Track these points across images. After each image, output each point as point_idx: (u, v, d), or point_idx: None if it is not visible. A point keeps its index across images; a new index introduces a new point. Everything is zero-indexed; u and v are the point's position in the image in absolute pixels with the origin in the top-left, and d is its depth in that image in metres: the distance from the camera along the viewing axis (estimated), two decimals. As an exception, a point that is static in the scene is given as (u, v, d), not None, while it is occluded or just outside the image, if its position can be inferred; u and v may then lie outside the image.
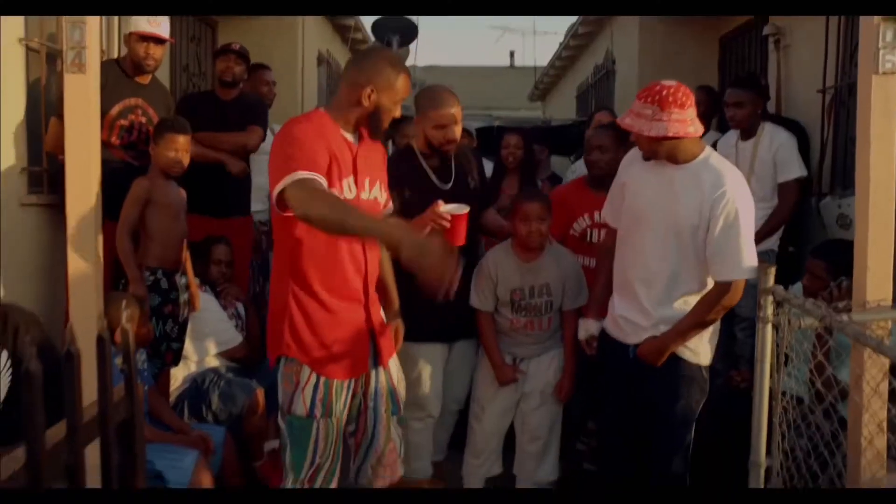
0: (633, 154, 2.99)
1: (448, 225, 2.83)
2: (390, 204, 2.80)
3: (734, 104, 4.12)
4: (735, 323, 4.11)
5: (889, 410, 2.68)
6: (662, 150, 2.77)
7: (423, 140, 3.28)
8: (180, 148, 3.49)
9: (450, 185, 3.29)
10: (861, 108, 2.74)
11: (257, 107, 4.69)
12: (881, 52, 2.68)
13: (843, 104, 4.26)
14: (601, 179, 3.60)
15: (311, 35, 7.33)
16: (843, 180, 4.19)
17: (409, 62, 14.61)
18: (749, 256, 2.72)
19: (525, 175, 4.47)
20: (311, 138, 2.45)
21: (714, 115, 4.99)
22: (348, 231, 2.32)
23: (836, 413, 2.79)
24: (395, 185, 2.89)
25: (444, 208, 2.87)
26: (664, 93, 2.72)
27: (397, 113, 2.66)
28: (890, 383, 2.68)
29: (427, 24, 38.05)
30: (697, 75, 6.06)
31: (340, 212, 2.27)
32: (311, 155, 2.39)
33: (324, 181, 2.38)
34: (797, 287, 3.35)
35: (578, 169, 4.92)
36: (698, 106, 4.86)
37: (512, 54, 24.84)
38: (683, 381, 2.92)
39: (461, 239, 2.85)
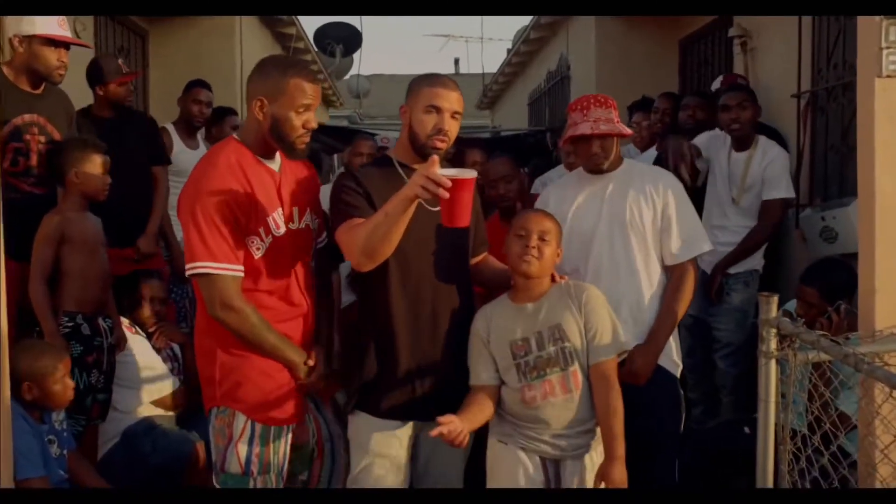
0: (553, 188, 3.05)
1: (447, 195, 2.13)
2: (324, 234, 2.60)
3: (738, 106, 3.79)
4: (715, 350, 3.84)
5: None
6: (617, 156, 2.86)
7: (405, 145, 2.53)
8: (105, 169, 3.10)
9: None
10: (863, 113, 2.49)
11: (150, 127, 4.29)
12: (884, 52, 2.41)
13: (820, 109, 4.03)
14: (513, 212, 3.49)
15: (251, 44, 6.93)
16: (823, 191, 3.95)
17: (352, 71, 14.30)
18: (703, 230, 2.89)
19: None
20: (216, 194, 2.29)
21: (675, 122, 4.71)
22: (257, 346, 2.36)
23: (846, 454, 2.53)
24: (367, 208, 2.40)
25: (445, 172, 2.18)
26: (602, 97, 2.84)
27: (305, 122, 2.34)
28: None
29: (370, 33, 37.64)
30: (657, 79, 5.83)
31: (247, 329, 2.32)
32: (215, 231, 2.28)
33: (232, 266, 2.31)
34: (792, 304, 3.08)
35: (549, 180, 4.61)
36: (663, 113, 4.66)
37: (457, 62, 24.58)
38: (669, 392, 2.82)
39: (464, 217, 2.23)
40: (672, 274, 2.82)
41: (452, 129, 2.46)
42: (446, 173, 2.16)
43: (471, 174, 2.22)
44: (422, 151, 2.42)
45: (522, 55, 10.27)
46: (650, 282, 2.82)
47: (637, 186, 2.81)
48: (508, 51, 11.70)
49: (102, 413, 3.14)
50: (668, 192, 2.80)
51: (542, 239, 2.52)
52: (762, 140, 3.82)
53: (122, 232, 3.95)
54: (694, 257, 2.83)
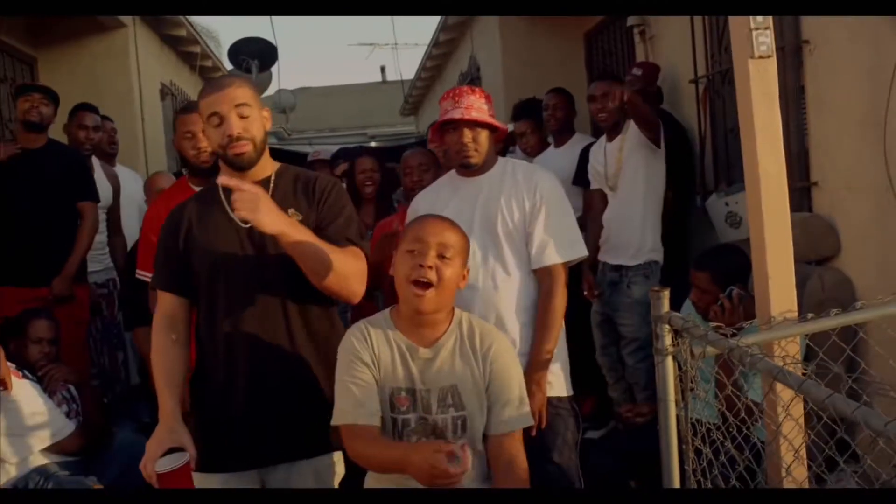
0: (424, 193, 2.85)
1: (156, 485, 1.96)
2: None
3: (602, 96, 3.77)
4: (622, 346, 3.77)
5: (807, 436, 2.38)
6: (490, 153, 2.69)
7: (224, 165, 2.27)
8: None
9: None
10: (741, 97, 2.44)
11: (75, 163, 4.09)
12: (754, 33, 2.38)
13: (717, 93, 4.01)
14: None
15: (149, 66, 6.70)
16: (727, 175, 3.94)
17: (273, 86, 14.06)
18: (578, 235, 2.72)
19: (382, 203, 3.98)
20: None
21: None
22: None
23: (750, 440, 2.48)
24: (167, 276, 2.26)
25: (157, 465, 1.96)
26: (475, 88, 2.71)
27: (201, 142, 2.45)
28: (806, 403, 2.38)
29: (291, 46, 37.18)
30: (564, 73, 5.80)
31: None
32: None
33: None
34: (686, 306, 3.03)
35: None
36: (553, 109, 4.56)
37: (383, 69, 24.44)
38: (559, 425, 2.62)
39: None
40: (539, 282, 2.62)
41: (242, 125, 2.13)
42: (159, 468, 1.97)
43: (181, 461, 1.98)
44: (231, 164, 2.18)
45: (436, 58, 10.19)
46: (533, 290, 2.64)
47: (509, 186, 2.65)
48: (423, 55, 11.61)
49: None
50: (538, 191, 2.63)
51: (441, 256, 1.99)
52: (632, 125, 3.75)
53: (35, 270, 3.77)
54: (562, 262, 2.63)
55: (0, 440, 3.05)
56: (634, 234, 3.66)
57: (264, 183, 2.21)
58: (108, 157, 4.89)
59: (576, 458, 2.65)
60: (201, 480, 2.12)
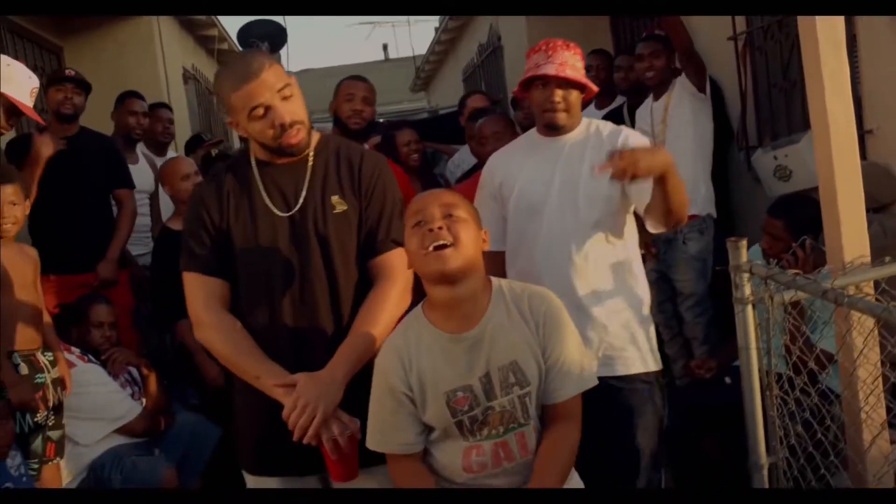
0: (498, 154, 2.63)
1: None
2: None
3: (650, 55, 3.80)
4: (679, 302, 3.79)
5: (886, 378, 2.40)
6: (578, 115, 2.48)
7: (256, 146, 2.08)
8: (15, 199, 2.92)
9: (295, 209, 2.03)
10: (806, 45, 2.44)
11: (108, 149, 4.09)
12: (821, -20, 2.37)
13: (758, 49, 3.99)
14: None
15: (173, 51, 6.71)
16: (771, 130, 3.92)
17: (282, 68, 13.99)
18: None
19: (426, 176, 3.98)
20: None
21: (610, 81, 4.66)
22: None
23: (831, 391, 2.50)
24: (210, 256, 2.04)
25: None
26: (570, 43, 2.46)
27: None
28: (883, 347, 2.40)
29: (294, 28, 37.15)
30: (589, 40, 5.75)
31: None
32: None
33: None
34: (754, 252, 3.04)
35: (463, 162, 4.49)
36: (597, 70, 4.60)
37: (385, 47, 24.41)
38: (636, 407, 2.38)
39: (349, 472, 1.90)
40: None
41: (290, 108, 1.95)
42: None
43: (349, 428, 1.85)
44: (285, 153, 2.01)
45: (451, 31, 10.15)
46: (614, 263, 2.43)
47: (595, 145, 2.41)
48: (436, 29, 11.56)
49: (59, 450, 2.97)
50: (632, 138, 2.42)
51: (448, 216, 1.79)
52: (678, 82, 3.80)
53: (77, 257, 3.79)
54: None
55: (71, 424, 3.09)
56: (688, 182, 3.66)
57: (303, 162, 2.04)
58: (161, 146, 4.88)
59: (655, 445, 2.41)
60: (257, 483, 2.07)
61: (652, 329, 2.50)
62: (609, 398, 2.31)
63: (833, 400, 2.54)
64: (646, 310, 2.49)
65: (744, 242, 2.31)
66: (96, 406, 3.21)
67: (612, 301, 2.41)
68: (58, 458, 2.96)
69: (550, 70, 2.35)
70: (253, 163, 2.07)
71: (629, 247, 2.47)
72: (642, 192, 2.31)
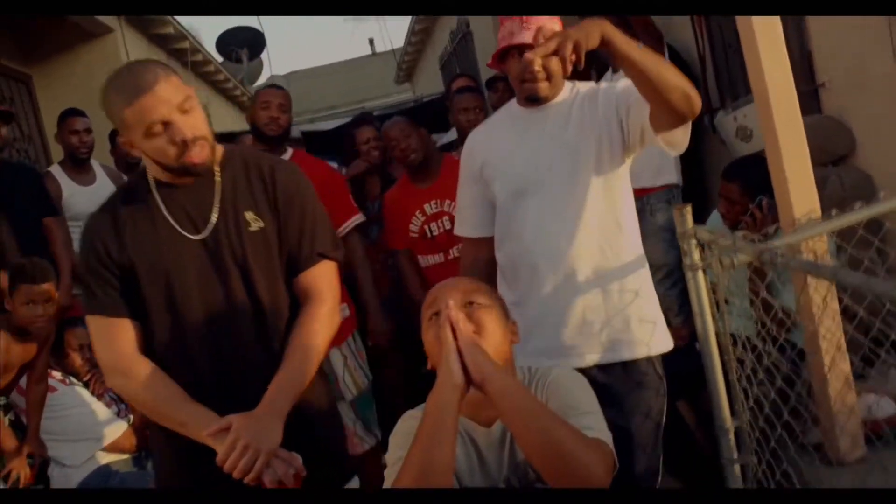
0: (477, 132, 2.45)
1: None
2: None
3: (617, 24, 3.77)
4: (652, 274, 3.78)
5: (846, 332, 2.41)
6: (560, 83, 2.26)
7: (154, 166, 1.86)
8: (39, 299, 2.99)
9: (206, 231, 1.86)
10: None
11: (30, 179, 4.03)
12: (747, -60, 2.37)
13: (711, 11, 3.98)
14: (420, 170, 3.37)
15: (143, 67, 6.70)
16: (731, 91, 3.91)
17: (265, 73, 14.02)
18: None
19: (384, 174, 3.98)
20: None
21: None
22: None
23: (795, 347, 2.51)
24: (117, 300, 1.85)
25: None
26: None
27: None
28: (841, 301, 2.40)
29: (276, 31, 36.97)
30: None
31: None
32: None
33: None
34: (714, 218, 3.04)
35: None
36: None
37: (371, 42, 24.43)
38: (644, 394, 2.26)
39: None
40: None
41: (191, 123, 1.76)
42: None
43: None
44: (184, 172, 1.82)
45: (423, 21, 10.13)
46: (611, 234, 2.24)
47: (579, 105, 2.23)
48: (411, 20, 11.54)
49: (41, 476, 3.01)
50: (617, 84, 2.24)
51: (469, 303, 1.63)
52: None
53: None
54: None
55: (56, 447, 3.14)
56: (652, 152, 3.65)
57: (208, 179, 1.87)
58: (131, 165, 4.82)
59: (660, 433, 2.30)
60: None
61: (655, 301, 2.35)
62: (615, 386, 2.22)
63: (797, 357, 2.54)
64: (648, 282, 2.35)
65: (688, 208, 2.32)
66: (80, 427, 3.25)
67: (612, 279, 2.26)
68: (39, 485, 3.01)
69: (527, 38, 2.13)
70: (152, 185, 1.87)
71: (626, 214, 2.31)
72: (627, 99, 2.14)
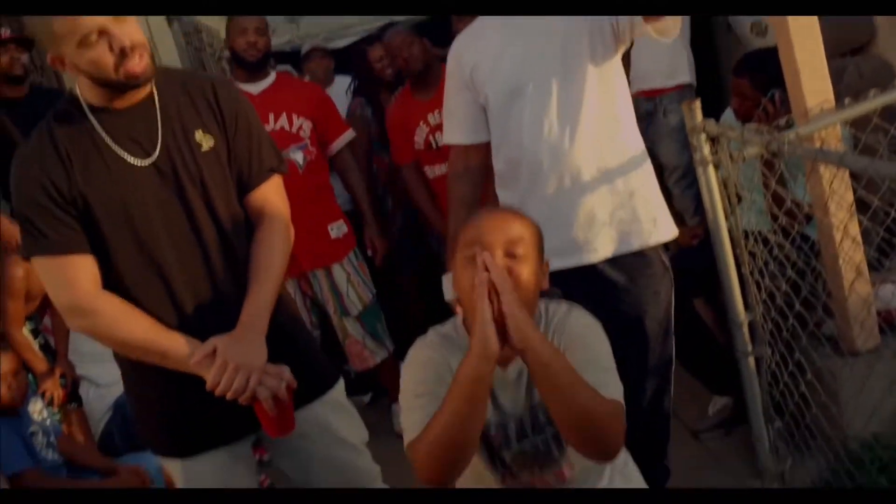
0: (463, 37, 2.34)
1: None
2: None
3: None
4: (666, 177, 3.75)
5: (860, 222, 2.39)
6: None
7: (86, 83, 1.72)
8: None
9: (155, 154, 1.76)
10: None
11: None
12: None
13: None
14: (422, 81, 3.32)
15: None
16: (746, -17, 3.80)
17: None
18: None
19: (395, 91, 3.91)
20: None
21: None
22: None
23: (808, 241, 2.50)
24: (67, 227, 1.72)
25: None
26: None
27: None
28: (855, 192, 2.38)
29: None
30: None
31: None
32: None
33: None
34: (727, 115, 3.00)
35: None
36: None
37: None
38: (652, 281, 2.25)
39: (288, 425, 1.79)
40: None
41: (127, 30, 1.63)
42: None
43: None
44: (122, 87, 1.69)
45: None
46: (610, 125, 2.19)
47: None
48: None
49: (73, 395, 3.12)
50: None
51: (511, 255, 1.56)
52: None
53: None
54: None
55: (87, 367, 3.23)
56: (665, 52, 3.58)
57: (148, 101, 1.76)
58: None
59: (671, 321, 2.30)
60: (186, 468, 1.87)
61: (658, 191, 2.33)
62: (626, 276, 2.22)
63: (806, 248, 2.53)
64: (650, 173, 2.32)
65: (697, 102, 2.30)
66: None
67: (615, 173, 2.22)
68: (74, 404, 3.11)
69: None
70: (87, 110, 1.73)
71: (623, 107, 2.24)
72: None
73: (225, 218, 1.80)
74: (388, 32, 3.50)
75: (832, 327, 2.52)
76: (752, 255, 2.29)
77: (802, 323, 2.28)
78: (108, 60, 1.63)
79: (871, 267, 2.45)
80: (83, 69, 1.66)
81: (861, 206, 2.39)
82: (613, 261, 2.21)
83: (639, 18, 2.02)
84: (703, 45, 3.87)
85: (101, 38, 1.61)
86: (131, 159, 1.73)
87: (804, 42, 2.33)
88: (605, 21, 2.12)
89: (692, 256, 3.07)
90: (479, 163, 2.35)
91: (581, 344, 1.61)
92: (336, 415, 1.97)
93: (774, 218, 2.38)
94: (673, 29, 2.07)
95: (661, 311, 2.28)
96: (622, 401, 1.55)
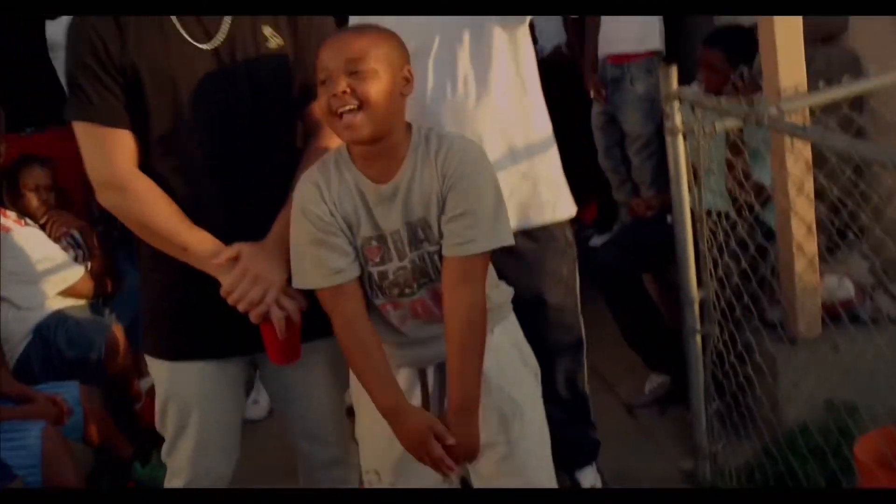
0: None
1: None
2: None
3: None
4: (627, 145, 3.73)
5: (817, 210, 2.39)
6: None
7: None
8: None
9: (220, 39, 1.68)
10: None
11: None
12: None
13: None
14: None
15: None
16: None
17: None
18: None
19: None
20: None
21: None
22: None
23: (764, 226, 2.50)
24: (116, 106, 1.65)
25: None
26: None
27: None
28: (816, 180, 2.38)
29: None
30: None
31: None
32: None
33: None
34: (693, 89, 2.97)
35: None
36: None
37: None
38: (554, 256, 2.18)
39: (294, 353, 1.73)
40: None
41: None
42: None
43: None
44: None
45: None
46: (524, 91, 2.11)
47: None
48: None
49: None
50: None
51: (353, 73, 1.54)
52: None
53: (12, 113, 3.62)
54: None
55: (10, 287, 3.07)
56: (635, 19, 3.54)
57: None
58: None
59: (576, 299, 2.28)
60: (172, 371, 1.81)
61: (559, 164, 2.22)
62: (526, 253, 2.13)
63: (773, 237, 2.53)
64: (552, 144, 2.21)
65: (674, 68, 2.25)
66: (35, 269, 3.16)
67: (518, 142, 2.13)
68: None
69: None
70: None
71: (529, 72, 2.13)
72: None
73: (273, 121, 1.71)
74: None
75: (778, 313, 2.53)
76: (713, 232, 2.27)
77: (755, 305, 2.28)
78: None
79: (820, 258, 2.46)
80: None
81: (818, 195, 2.39)
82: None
83: None
84: (669, 16, 3.83)
85: None
86: (191, 39, 1.64)
87: (785, 23, 2.30)
88: None
89: (645, 229, 3.06)
90: None
91: (471, 195, 1.60)
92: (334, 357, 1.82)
93: (734, 200, 2.36)
94: None
95: (564, 287, 2.22)
96: (497, 243, 1.62)
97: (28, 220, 3.28)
